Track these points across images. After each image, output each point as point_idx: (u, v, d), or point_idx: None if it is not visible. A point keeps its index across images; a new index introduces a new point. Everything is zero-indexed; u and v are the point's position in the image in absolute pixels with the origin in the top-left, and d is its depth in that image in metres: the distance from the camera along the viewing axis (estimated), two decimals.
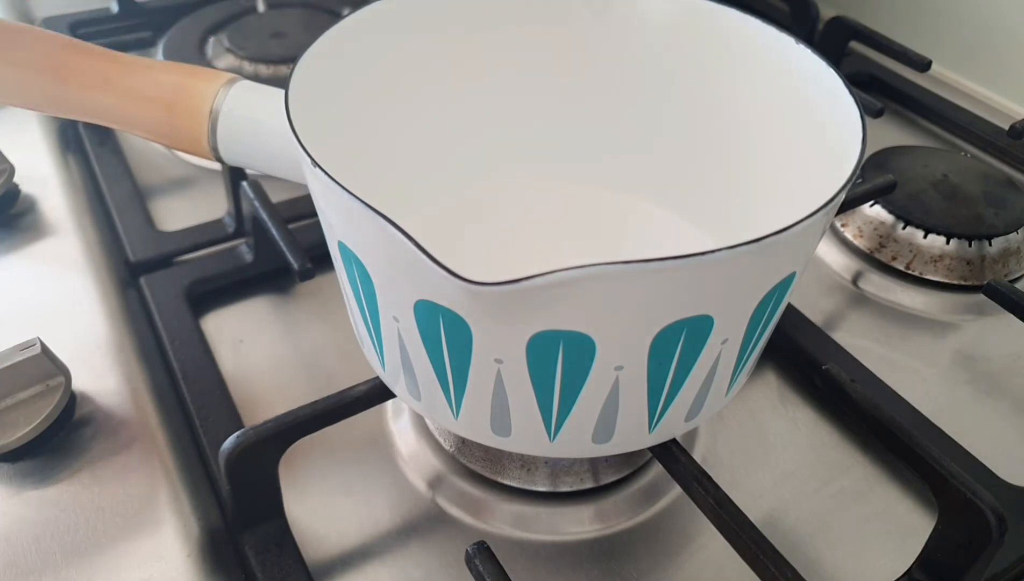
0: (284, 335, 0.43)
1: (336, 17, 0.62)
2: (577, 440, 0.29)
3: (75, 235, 0.46)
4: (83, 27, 0.63)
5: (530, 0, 0.37)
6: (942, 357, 0.44)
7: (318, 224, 0.30)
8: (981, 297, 0.45)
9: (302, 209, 0.47)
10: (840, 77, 0.30)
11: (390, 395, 0.32)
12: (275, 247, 0.40)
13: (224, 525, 0.34)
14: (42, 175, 0.50)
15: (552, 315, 0.24)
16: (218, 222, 0.48)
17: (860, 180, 0.49)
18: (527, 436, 0.29)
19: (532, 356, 0.25)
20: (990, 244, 0.48)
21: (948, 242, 0.48)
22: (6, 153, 0.47)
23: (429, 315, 0.25)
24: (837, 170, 0.27)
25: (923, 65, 0.60)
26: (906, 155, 0.54)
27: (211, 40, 0.63)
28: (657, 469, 0.37)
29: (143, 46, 0.63)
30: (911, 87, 0.64)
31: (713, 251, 0.22)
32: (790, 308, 0.43)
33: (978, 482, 0.30)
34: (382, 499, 0.36)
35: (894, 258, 0.49)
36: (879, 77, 0.65)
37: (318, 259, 0.38)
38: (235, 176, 0.44)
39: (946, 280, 0.48)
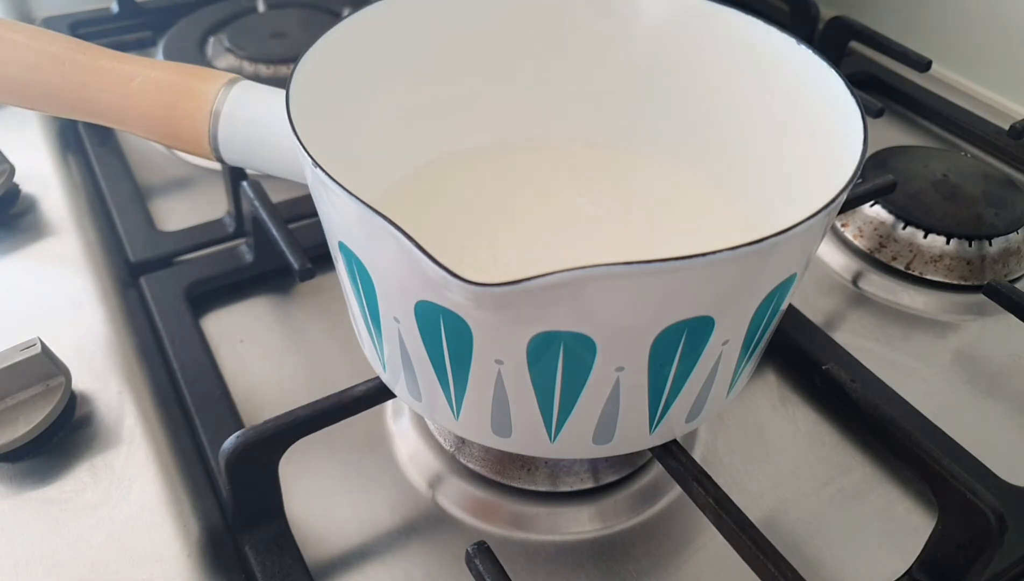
0: (284, 335, 0.43)
1: (336, 17, 0.62)
2: (578, 441, 0.29)
3: (75, 235, 0.46)
4: (83, 27, 0.63)
5: (530, 0, 0.37)
6: (942, 357, 0.44)
7: (318, 224, 0.30)
8: (981, 297, 0.45)
9: (302, 209, 0.47)
10: (841, 77, 0.30)
11: (390, 395, 0.32)
12: (275, 247, 0.40)
13: (224, 525, 0.34)
14: (42, 175, 0.50)
15: (553, 316, 0.24)
16: (218, 222, 0.48)
17: (860, 180, 0.49)
18: (528, 437, 0.29)
19: (533, 357, 0.25)
20: (990, 244, 0.48)
21: (948, 242, 0.48)
22: (6, 153, 0.47)
23: (430, 316, 0.25)
24: (838, 170, 0.27)
25: (923, 65, 0.60)
26: (906, 155, 0.54)
27: (211, 40, 0.63)
28: (657, 469, 0.37)
29: (143, 46, 0.63)
30: (911, 87, 0.64)
31: (714, 252, 0.22)
32: (790, 308, 0.43)
33: (978, 482, 0.30)
34: (382, 499, 0.36)
35: (894, 258, 0.49)
36: (879, 77, 0.65)
37: (318, 259, 0.38)
38: (235, 176, 0.44)
39: (946, 280, 0.48)
